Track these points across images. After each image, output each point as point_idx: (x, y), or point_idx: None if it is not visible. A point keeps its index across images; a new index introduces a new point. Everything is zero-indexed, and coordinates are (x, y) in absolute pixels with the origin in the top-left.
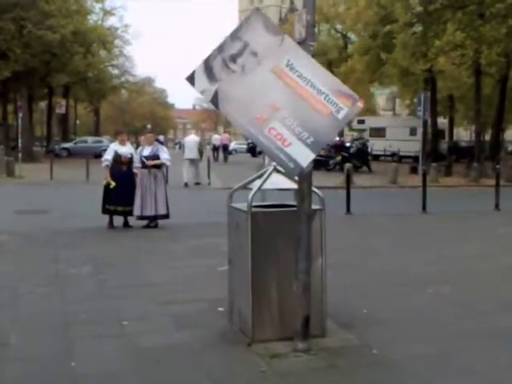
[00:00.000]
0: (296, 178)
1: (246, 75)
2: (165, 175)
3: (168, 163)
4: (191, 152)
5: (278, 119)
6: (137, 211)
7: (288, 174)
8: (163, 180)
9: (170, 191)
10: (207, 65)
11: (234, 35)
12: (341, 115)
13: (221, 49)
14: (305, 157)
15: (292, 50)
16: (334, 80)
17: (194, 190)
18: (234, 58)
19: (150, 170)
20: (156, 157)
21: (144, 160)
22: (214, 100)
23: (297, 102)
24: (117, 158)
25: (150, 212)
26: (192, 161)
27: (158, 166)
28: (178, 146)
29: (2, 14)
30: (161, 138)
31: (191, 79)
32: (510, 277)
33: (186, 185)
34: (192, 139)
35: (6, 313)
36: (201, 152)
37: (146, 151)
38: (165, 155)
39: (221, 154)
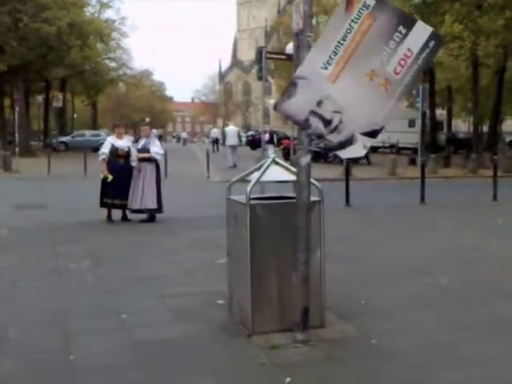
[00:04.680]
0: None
1: (347, 109)
2: (159, 168)
3: (158, 157)
4: (232, 139)
5: (383, 66)
6: (129, 204)
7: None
8: (154, 173)
9: (168, 184)
10: (341, 145)
11: (302, 131)
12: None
13: (320, 136)
14: (423, 31)
15: (308, 64)
16: (334, 14)
17: (193, 183)
18: (327, 123)
19: (138, 163)
20: (146, 150)
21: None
22: (372, 135)
23: (365, 50)
24: (114, 151)
25: (135, 205)
26: (233, 147)
27: (150, 160)
28: (176, 139)
29: None
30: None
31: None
32: (508, 267)
33: (233, 166)
34: (232, 129)
35: (4, 307)
36: (240, 139)
37: (140, 144)
38: (155, 148)
39: (221, 147)
